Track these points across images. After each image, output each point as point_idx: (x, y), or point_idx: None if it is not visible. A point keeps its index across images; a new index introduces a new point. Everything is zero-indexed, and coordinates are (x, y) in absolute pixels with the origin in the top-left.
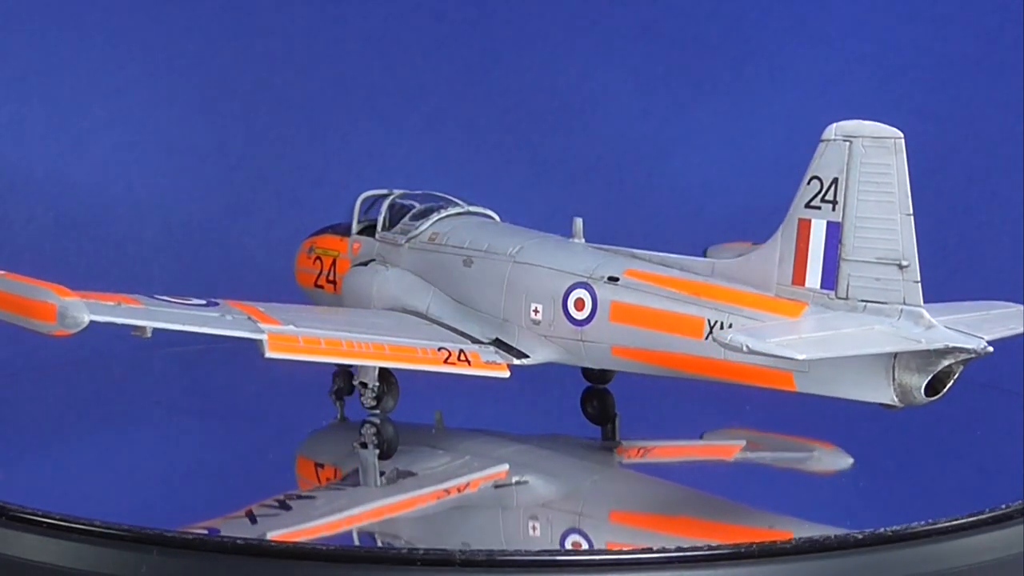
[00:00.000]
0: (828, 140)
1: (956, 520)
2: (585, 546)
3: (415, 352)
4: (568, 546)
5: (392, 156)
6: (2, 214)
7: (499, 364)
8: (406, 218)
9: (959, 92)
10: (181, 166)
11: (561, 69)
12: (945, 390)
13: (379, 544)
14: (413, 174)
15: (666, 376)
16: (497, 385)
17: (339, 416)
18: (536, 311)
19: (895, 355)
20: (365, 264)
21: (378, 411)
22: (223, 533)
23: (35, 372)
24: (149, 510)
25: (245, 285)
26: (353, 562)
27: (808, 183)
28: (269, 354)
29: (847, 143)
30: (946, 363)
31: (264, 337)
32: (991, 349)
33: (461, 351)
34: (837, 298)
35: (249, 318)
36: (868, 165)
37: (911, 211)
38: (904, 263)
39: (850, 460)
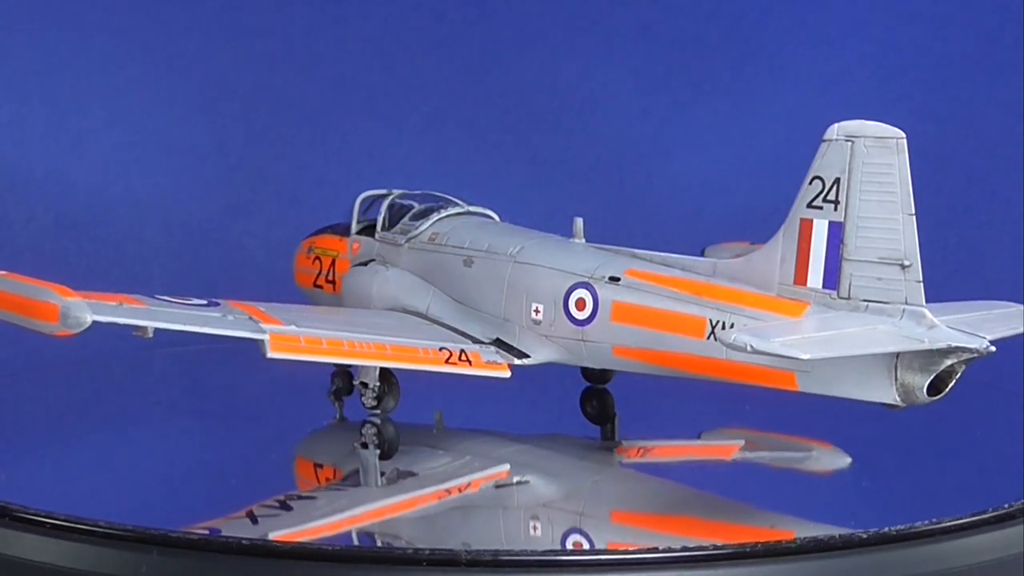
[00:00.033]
0: (830, 140)
1: (957, 520)
2: (586, 546)
3: (416, 352)
4: (569, 546)
5: (392, 156)
6: (2, 214)
7: (500, 364)
8: (406, 218)
9: (959, 92)
10: (181, 166)
11: (561, 69)
12: (947, 390)
13: (380, 544)
14: (413, 174)
15: (667, 376)
16: (497, 385)
17: (338, 416)
18: (537, 311)
19: (898, 355)
20: (365, 264)
21: (379, 411)
22: (224, 533)
23: (35, 372)
24: (149, 510)
25: (245, 285)
26: (358, 563)
27: (810, 183)
28: (271, 354)
29: (849, 143)
30: (948, 363)
31: (266, 337)
32: (994, 349)
33: (462, 351)
34: (839, 298)
35: (251, 318)
36: (870, 165)
37: (913, 211)
38: (906, 263)
39: (848, 459)
